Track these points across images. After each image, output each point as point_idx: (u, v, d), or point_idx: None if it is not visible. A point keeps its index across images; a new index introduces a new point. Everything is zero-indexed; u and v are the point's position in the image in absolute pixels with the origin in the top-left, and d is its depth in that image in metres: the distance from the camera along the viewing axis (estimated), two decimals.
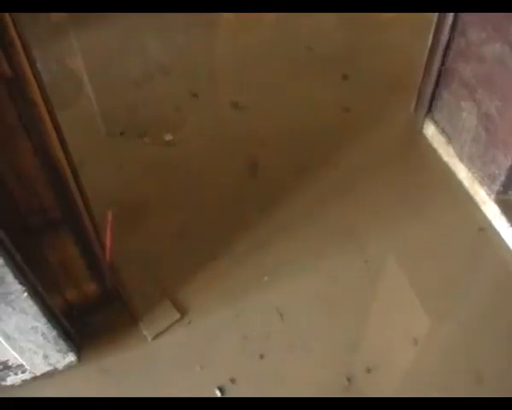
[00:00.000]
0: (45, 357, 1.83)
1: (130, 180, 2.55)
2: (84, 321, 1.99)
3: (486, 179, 2.42)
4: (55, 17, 3.46)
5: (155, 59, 3.23)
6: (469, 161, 2.50)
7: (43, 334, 1.72)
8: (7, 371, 1.84)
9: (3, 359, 1.79)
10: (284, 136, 2.73)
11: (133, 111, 2.90)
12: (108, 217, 2.24)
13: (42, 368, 1.88)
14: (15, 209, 1.57)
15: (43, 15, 3.43)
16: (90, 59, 3.24)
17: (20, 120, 1.40)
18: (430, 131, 2.71)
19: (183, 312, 2.11)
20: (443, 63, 2.51)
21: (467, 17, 2.29)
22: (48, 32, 3.34)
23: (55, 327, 1.72)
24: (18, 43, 1.33)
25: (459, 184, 2.54)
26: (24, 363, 1.82)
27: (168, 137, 2.72)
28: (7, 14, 1.30)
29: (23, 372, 1.87)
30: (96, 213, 1.84)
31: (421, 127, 2.75)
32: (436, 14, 2.43)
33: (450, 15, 2.33)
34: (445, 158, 2.64)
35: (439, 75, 2.55)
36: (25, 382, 1.89)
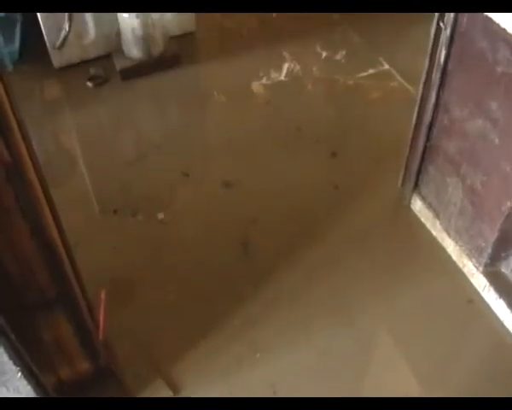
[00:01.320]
0: None
1: (123, 258, 2.59)
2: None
3: (474, 252, 2.46)
4: (50, 95, 3.55)
5: (148, 137, 3.31)
6: (457, 235, 2.55)
7: None
8: None
9: None
10: (275, 214, 2.79)
11: (126, 189, 2.96)
12: (102, 295, 2.26)
13: None
14: (11, 288, 1.59)
15: (37, 92, 3.51)
16: (83, 136, 3.33)
17: (17, 201, 1.43)
18: (417, 205, 2.76)
19: (175, 390, 2.11)
20: (428, 140, 2.58)
21: (449, 95, 2.37)
22: (42, 110, 3.43)
23: None
24: (15, 126, 1.38)
25: (448, 257, 2.58)
26: None
27: (161, 216, 2.77)
28: (5, 98, 1.36)
29: None
30: (89, 291, 1.87)
31: (409, 202, 2.81)
32: (420, 92, 2.52)
33: (433, 94, 2.42)
34: (433, 232, 2.68)
35: (424, 151, 2.62)
36: None
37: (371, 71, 3.58)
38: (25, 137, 1.41)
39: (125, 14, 3.34)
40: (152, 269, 2.55)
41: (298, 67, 3.58)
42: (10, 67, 3.60)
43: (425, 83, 2.46)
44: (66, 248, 1.65)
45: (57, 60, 3.61)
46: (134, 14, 3.32)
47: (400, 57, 3.68)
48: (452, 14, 2.20)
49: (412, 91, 3.26)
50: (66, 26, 3.44)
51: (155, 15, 3.40)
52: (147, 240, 2.67)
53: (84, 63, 3.66)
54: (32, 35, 3.68)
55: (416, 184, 2.75)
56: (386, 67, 3.61)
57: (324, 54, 3.70)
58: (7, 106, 1.36)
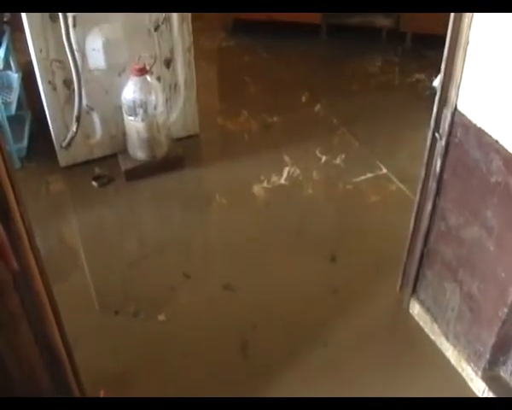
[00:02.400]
0: None
1: (123, 358, 2.60)
2: None
3: (472, 356, 2.47)
4: (55, 192, 3.63)
5: (151, 238, 3.36)
6: (455, 339, 2.56)
7: None
8: None
9: None
10: (274, 316, 2.81)
11: (128, 289, 2.99)
12: (101, 394, 2.26)
13: None
14: (11, 389, 1.61)
15: (43, 190, 3.59)
16: (87, 235, 3.37)
17: (23, 308, 1.47)
18: (416, 309, 2.78)
19: None
20: (425, 245, 2.62)
21: (445, 203, 2.43)
22: (47, 207, 3.50)
23: None
24: (24, 234, 1.43)
25: (446, 361, 2.58)
26: None
27: (161, 317, 2.79)
28: (15, 207, 1.41)
29: None
30: (88, 390, 1.87)
31: (407, 306, 2.83)
32: (417, 199, 2.58)
33: (430, 201, 2.48)
34: (432, 336, 2.70)
35: (422, 256, 2.66)
36: None
37: (369, 175, 3.66)
38: (33, 246, 1.45)
39: (131, 117, 3.45)
40: (151, 369, 2.55)
41: (298, 171, 3.67)
42: (18, 164, 3.69)
43: (421, 191, 2.53)
44: (67, 352, 1.67)
45: (63, 159, 3.71)
46: (140, 117, 3.43)
47: (398, 162, 3.77)
48: (447, 126, 2.29)
49: (410, 196, 3.33)
50: (74, 127, 3.54)
51: (160, 118, 3.51)
52: (147, 341, 2.68)
53: (90, 162, 3.75)
54: (40, 133, 3.80)
55: (415, 289, 2.78)
56: (384, 171, 3.69)
57: (324, 158, 3.79)
58: (16, 212, 1.41)
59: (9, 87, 3.79)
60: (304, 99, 4.41)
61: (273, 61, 4.91)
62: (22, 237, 1.42)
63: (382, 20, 5.09)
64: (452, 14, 2.16)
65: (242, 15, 5.14)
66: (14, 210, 1.40)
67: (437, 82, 2.46)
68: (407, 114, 4.21)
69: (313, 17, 5.03)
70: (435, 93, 2.36)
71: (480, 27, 2.08)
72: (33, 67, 3.41)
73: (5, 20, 3.72)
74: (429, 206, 2.49)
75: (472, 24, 2.11)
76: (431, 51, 4.78)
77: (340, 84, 4.63)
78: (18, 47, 3.90)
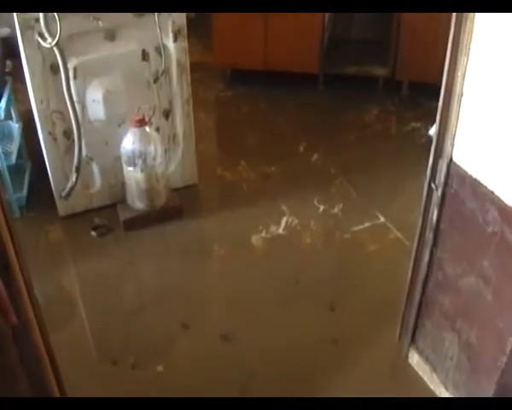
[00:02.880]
0: None
1: None
2: None
3: None
4: (54, 242, 3.64)
5: (149, 288, 3.38)
6: (454, 389, 2.55)
7: None
8: None
9: None
10: (273, 367, 2.81)
11: (126, 339, 2.99)
12: None
13: None
14: None
15: (42, 239, 3.60)
16: (85, 284, 3.38)
17: (22, 361, 1.47)
18: (415, 359, 2.78)
19: None
20: (423, 294, 2.63)
21: (442, 253, 2.45)
22: (46, 256, 3.51)
23: None
24: (24, 287, 1.44)
25: None
26: None
27: (160, 369, 2.78)
28: (15, 260, 1.42)
29: None
30: None
31: (406, 356, 2.82)
32: (414, 249, 2.60)
33: (427, 251, 2.50)
34: (431, 385, 2.69)
35: (420, 305, 2.67)
36: None
37: (367, 224, 3.68)
38: (32, 300, 1.46)
39: (130, 168, 3.48)
40: None
41: (296, 221, 3.69)
42: (17, 214, 3.71)
43: (419, 240, 2.55)
44: None
45: (63, 208, 3.73)
46: (139, 168, 3.46)
47: (395, 210, 3.80)
48: (443, 176, 2.31)
49: (408, 244, 3.34)
50: (74, 178, 3.56)
51: (159, 169, 3.55)
52: (145, 392, 2.66)
53: (89, 212, 3.77)
54: (40, 183, 3.82)
55: (413, 338, 2.78)
56: (382, 220, 3.71)
57: (322, 207, 3.82)
58: (16, 267, 1.42)
59: (10, 137, 3.83)
60: (301, 149, 4.45)
61: (271, 110, 4.96)
62: (22, 291, 1.43)
63: (378, 70, 5.16)
64: (446, 66, 2.20)
65: (240, 66, 5.23)
66: (14, 263, 1.41)
67: (433, 130, 2.50)
68: (404, 162, 4.25)
69: (310, 67, 5.10)
70: (431, 141, 2.40)
71: (474, 79, 2.13)
72: (34, 117, 3.46)
73: (7, 70, 3.79)
74: (427, 256, 2.51)
75: (466, 75, 2.16)
76: (427, 100, 4.84)
77: (338, 133, 4.69)
78: (19, 97, 3.96)
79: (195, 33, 3.74)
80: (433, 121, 2.40)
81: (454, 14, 2.14)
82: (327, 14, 5.02)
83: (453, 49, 2.16)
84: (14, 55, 3.47)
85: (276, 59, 5.06)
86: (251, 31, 5.00)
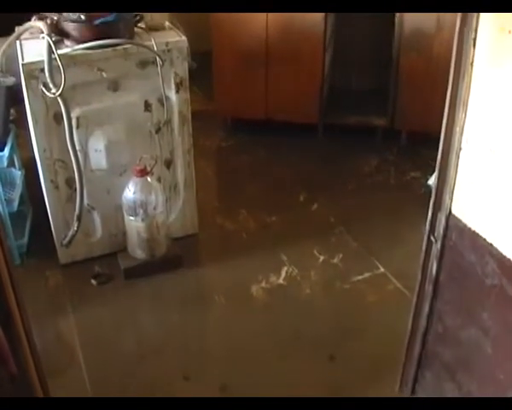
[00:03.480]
0: None
1: None
2: None
3: None
4: (54, 290, 3.64)
5: (149, 338, 3.36)
6: None
7: None
8: None
9: None
10: None
11: (125, 390, 2.96)
12: None
13: None
14: None
15: (42, 286, 3.61)
16: (84, 333, 3.36)
17: None
18: None
19: None
20: (423, 346, 2.62)
21: (442, 305, 2.46)
22: (45, 304, 3.52)
23: None
24: (24, 337, 1.45)
25: None
26: None
27: None
28: (16, 310, 1.43)
29: None
30: None
31: None
32: (414, 301, 2.60)
33: (427, 303, 2.50)
34: None
35: (420, 357, 2.66)
36: None
37: (367, 274, 3.69)
38: (32, 349, 1.47)
39: (131, 217, 3.51)
40: None
41: (296, 271, 3.70)
42: (18, 261, 3.72)
43: (418, 293, 2.56)
44: None
45: (63, 256, 3.74)
46: (140, 218, 3.49)
47: (395, 260, 3.81)
48: (442, 229, 2.33)
49: (408, 295, 3.35)
50: (75, 226, 3.58)
51: (160, 219, 3.57)
52: None
53: (90, 260, 3.78)
54: (41, 230, 3.83)
55: (413, 390, 2.76)
56: (382, 270, 3.72)
57: (322, 258, 3.83)
58: (17, 317, 1.43)
59: (12, 184, 3.86)
60: (301, 198, 4.48)
61: (271, 160, 5.01)
62: (22, 341, 1.44)
63: (378, 120, 5.22)
64: (444, 121, 2.24)
65: (241, 115, 5.30)
66: (15, 313, 1.42)
67: (432, 180, 2.53)
68: (403, 212, 4.27)
69: (310, 117, 5.17)
70: (431, 191, 2.42)
71: (472, 134, 2.16)
72: (36, 164, 3.49)
73: (11, 118, 3.83)
74: (426, 308, 2.51)
75: (464, 131, 2.19)
76: (425, 149, 4.88)
77: (337, 183, 4.72)
78: (22, 143, 4.00)
79: (197, 82, 3.80)
80: (432, 171, 2.43)
81: (451, 69, 2.19)
82: (327, 64, 5.11)
83: (451, 104, 2.20)
84: (18, 101, 3.51)
85: (277, 108, 5.14)
86: (251, 80, 5.08)
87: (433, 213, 2.40)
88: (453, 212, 2.30)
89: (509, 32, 1.98)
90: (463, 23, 2.15)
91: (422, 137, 4.78)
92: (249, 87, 5.12)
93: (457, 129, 2.21)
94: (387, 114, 5.14)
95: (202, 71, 3.98)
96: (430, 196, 2.40)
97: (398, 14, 4.76)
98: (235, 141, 5.32)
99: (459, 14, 2.15)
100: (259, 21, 4.87)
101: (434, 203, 2.38)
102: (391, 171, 4.89)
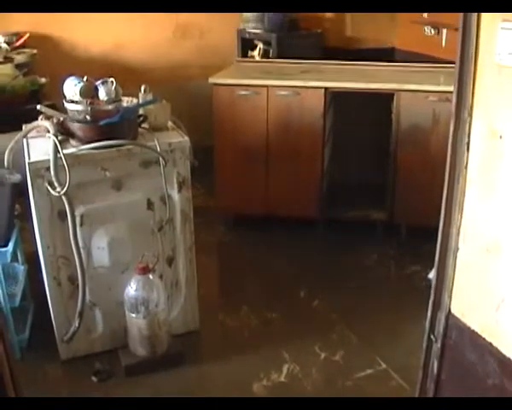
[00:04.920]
0: None
1: None
2: None
3: None
4: (54, 386, 3.59)
5: None
6: None
7: None
8: None
9: None
10: None
11: None
12: None
13: None
14: None
15: (40, 382, 3.56)
16: None
17: None
18: None
19: None
20: None
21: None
22: None
23: None
24: None
25: None
26: None
27: None
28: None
29: None
30: None
31: None
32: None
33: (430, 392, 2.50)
34: None
35: None
36: None
37: (369, 371, 3.66)
38: None
39: (133, 314, 3.51)
40: None
41: (298, 368, 3.67)
42: (18, 355, 3.70)
43: (420, 391, 2.56)
44: None
45: (64, 352, 3.72)
46: (141, 315, 3.49)
47: (397, 356, 3.78)
48: (442, 328, 2.36)
49: (409, 391, 3.32)
50: (76, 323, 3.58)
51: (162, 316, 3.57)
52: None
53: (90, 356, 3.74)
54: (42, 325, 3.82)
55: None
56: (384, 366, 3.69)
57: (323, 354, 3.80)
58: None
59: (15, 279, 3.89)
60: (302, 294, 4.49)
61: (272, 254, 5.04)
62: None
63: (377, 214, 5.29)
64: (441, 223, 2.29)
65: (241, 210, 5.38)
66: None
67: (432, 274, 2.56)
68: (404, 306, 4.27)
69: (310, 212, 5.24)
70: (431, 285, 2.45)
71: (469, 234, 2.21)
72: (39, 258, 3.53)
73: (16, 213, 3.89)
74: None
75: (460, 231, 2.24)
76: (425, 242, 4.84)
77: (338, 278, 4.74)
78: (25, 236, 4.04)
79: (198, 179, 3.88)
80: (432, 265, 2.46)
81: (446, 172, 2.26)
82: (326, 159, 5.22)
83: (447, 206, 2.26)
84: (23, 195, 3.58)
85: (277, 204, 5.22)
86: (252, 176, 5.18)
87: (432, 312, 2.43)
88: (452, 311, 2.32)
89: (500, 137, 2.06)
90: (457, 127, 2.24)
91: (422, 229, 4.79)
92: (250, 183, 5.22)
93: (454, 230, 2.26)
94: (387, 207, 5.21)
95: (203, 166, 4.06)
96: (430, 290, 2.43)
97: (395, 109, 4.90)
98: (235, 236, 5.37)
99: (452, 120, 2.24)
100: (260, 118, 5.02)
101: (433, 302, 2.41)
102: (391, 265, 4.92)
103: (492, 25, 2.08)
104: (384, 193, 5.22)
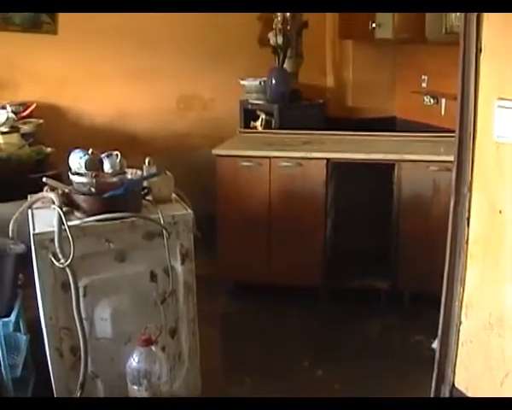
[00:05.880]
0: None
1: None
2: None
3: None
4: None
5: None
6: None
7: None
8: None
9: None
10: None
11: None
12: None
13: None
14: None
15: None
16: None
17: None
18: None
19: None
20: None
21: None
22: None
23: None
24: None
25: None
26: None
27: None
28: None
29: None
30: None
31: None
32: None
33: None
34: None
35: None
36: None
37: None
38: None
39: (135, 386, 3.46)
40: None
41: None
42: None
43: None
44: None
45: None
46: (143, 387, 3.45)
47: None
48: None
49: None
50: (78, 393, 3.53)
51: (164, 388, 3.51)
52: None
53: None
54: (43, 395, 3.75)
55: None
56: None
57: None
58: None
59: (17, 349, 3.85)
60: (306, 364, 4.46)
61: (274, 324, 5.03)
62: None
63: (380, 283, 5.29)
64: (443, 297, 2.31)
65: (244, 279, 5.39)
66: None
67: (435, 344, 2.56)
68: (408, 377, 4.21)
69: (313, 281, 5.25)
70: (435, 355, 2.45)
71: (471, 308, 2.22)
72: (41, 327, 3.51)
73: (19, 283, 3.89)
74: None
75: (463, 305, 2.25)
76: (429, 310, 4.82)
77: (341, 347, 4.71)
78: (27, 304, 4.02)
79: (200, 247, 3.90)
80: (436, 334, 2.46)
81: (448, 247, 2.28)
82: (328, 228, 5.25)
83: (449, 280, 2.28)
84: (27, 263, 3.59)
85: (280, 273, 5.24)
86: (255, 246, 5.23)
87: (436, 386, 2.42)
88: (456, 385, 2.32)
89: (500, 211, 2.09)
90: (457, 202, 2.27)
91: (425, 297, 4.80)
92: (253, 252, 5.25)
93: (456, 303, 2.28)
94: (390, 276, 5.22)
95: (205, 234, 4.08)
96: (434, 361, 2.42)
97: (396, 179, 4.96)
98: (238, 305, 5.37)
99: (452, 195, 2.28)
100: (263, 189, 5.09)
101: (437, 376, 2.41)
102: (395, 334, 4.90)
103: (489, 103, 2.14)
104: (386, 261, 5.24)
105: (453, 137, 2.33)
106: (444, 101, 6.11)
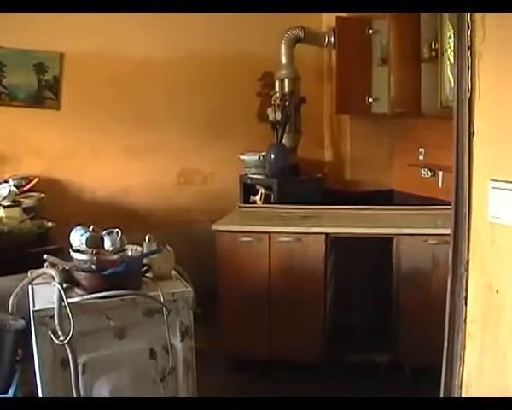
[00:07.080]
0: None
1: None
2: None
3: None
4: None
5: None
6: None
7: None
8: None
9: None
10: None
11: None
12: None
13: None
14: None
15: None
16: None
17: None
18: None
19: None
20: None
21: None
22: None
23: None
24: None
25: None
26: None
27: None
28: None
29: None
30: None
31: None
32: None
33: None
34: None
35: None
36: None
37: None
38: None
39: None
40: None
41: None
42: None
43: None
44: None
45: None
46: None
47: None
48: None
49: None
50: None
51: None
52: None
53: None
54: None
55: None
56: None
57: None
58: None
59: None
60: None
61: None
62: None
63: (380, 357, 5.26)
64: (443, 376, 2.31)
65: (244, 355, 5.37)
66: None
67: None
68: None
69: (313, 356, 5.22)
70: None
71: (471, 388, 2.22)
72: None
73: (17, 358, 3.87)
74: None
75: (463, 384, 2.25)
76: (430, 384, 4.82)
77: None
78: (25, 378, 3.98)
79: (201, 321, 3.89)
80: None
81: (446, 326, 2.29)
82: (328, 303, 5.26)
83: (448, 360, 2.28)
84: (26, 339, 3.57)
85: (280, 348, 5.21)
86: (254, 321, 5.22)
87: None
88: None
89: (497, 291, 2.11)
90: (454, 281, 2.30)
91: (427, 371, 4.77)
92: (252, 327, 5.24)
93: (456, 382, 2.27)
94: (390, 350, 5.20)
95: (206, 308, 4.08)
96: None
97: (395, 253, 4.99)
98: (237, 381, 5.31)
99: (449, 275, 2.30)
100: (262, 263, 5.11)
101: None
102: None
103: (483, 183, 2.18)
104: (386, 335, 5.22)
105: (450, 209, 2.37)
106: (441, 173, 6.18)
